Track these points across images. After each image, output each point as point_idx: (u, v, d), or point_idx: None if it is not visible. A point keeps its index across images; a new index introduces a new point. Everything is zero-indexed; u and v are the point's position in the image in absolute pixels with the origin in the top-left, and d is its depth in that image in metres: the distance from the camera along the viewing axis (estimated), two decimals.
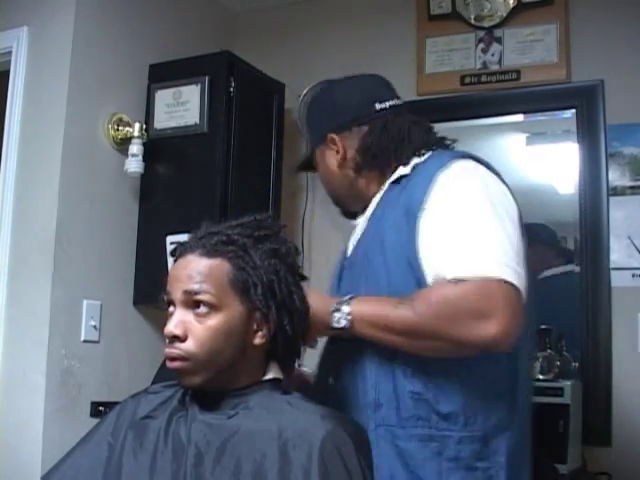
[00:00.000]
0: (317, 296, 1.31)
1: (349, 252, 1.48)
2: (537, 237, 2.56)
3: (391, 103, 1.49)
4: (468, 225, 1.24)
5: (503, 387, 1.29)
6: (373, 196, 1.47)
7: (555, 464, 2.02)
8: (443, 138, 1.50)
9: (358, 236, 1.46)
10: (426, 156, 1.42)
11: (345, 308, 1.28)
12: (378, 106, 1.47)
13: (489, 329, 1.17)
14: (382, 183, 1.45)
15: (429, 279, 1.25)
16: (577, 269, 2.47)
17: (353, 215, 1.52)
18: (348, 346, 1.34)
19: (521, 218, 1.32)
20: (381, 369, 1.31)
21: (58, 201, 2.19)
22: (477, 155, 1.38)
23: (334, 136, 1.49)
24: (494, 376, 1.28)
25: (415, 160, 1.42)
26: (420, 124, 1.48)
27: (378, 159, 1.45)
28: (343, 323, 1.28)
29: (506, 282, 1.18)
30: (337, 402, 1.33)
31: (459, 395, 1.26)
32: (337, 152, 1.49)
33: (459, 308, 1.19)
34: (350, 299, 1.30)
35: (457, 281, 1.20)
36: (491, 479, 1.26)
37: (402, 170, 1.41)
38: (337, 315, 1.28)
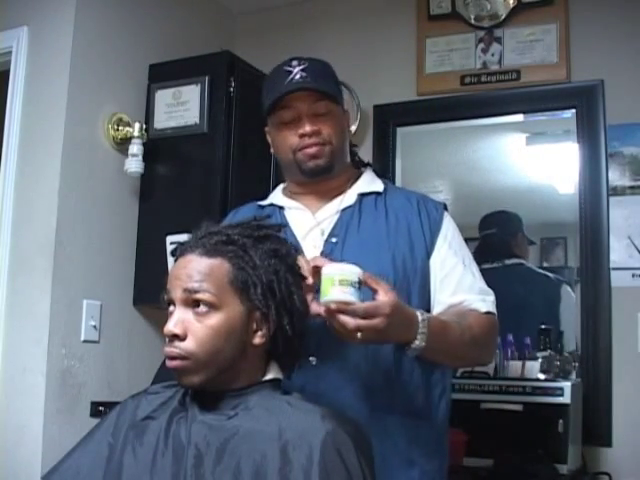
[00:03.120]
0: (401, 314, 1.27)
1: (327, 238, 1.48)
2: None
3: None
4: (472, 262, 1.53)
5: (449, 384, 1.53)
6: (345, 179, 1.56)
7: (555, 464, 2.02)
8: None
9: (332, 226, 1.50)
10: (370, 173, 1.61)
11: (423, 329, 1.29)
12: None
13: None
14: (351, 172, 1.59)
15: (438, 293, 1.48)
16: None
17: (316, 173, 1.51)
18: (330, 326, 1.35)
19: None
20: (377, 360, 1.39)
21: (58, 201, 2.19)
22: None
23: (348, 111, 1.62)
24: (448, 374, 1.53)
25: (375, 179, 1.59)
26: None
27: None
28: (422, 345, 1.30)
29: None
30: (323, 385, 1.37)
31: (425, 391, 1.45)
32: (345, 122, 1.58)
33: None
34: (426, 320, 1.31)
35: (488, 314, 1.47)
36: (443, 462, 1.48)
37: (376, 185, 1.56)
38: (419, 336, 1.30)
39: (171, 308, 1.16)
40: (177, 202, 2.41)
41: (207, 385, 1.15)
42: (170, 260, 1.27)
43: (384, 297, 1.22)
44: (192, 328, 1.13)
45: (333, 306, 1.19)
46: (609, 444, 2.25)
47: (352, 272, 1.21)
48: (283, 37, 2.86)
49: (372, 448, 1.17)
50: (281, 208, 1.58)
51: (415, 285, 1.45)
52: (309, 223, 1.52)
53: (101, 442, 1.19)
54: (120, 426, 1.19)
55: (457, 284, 1.47)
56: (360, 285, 1.21)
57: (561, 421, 2.05)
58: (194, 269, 1.15)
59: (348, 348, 1.36)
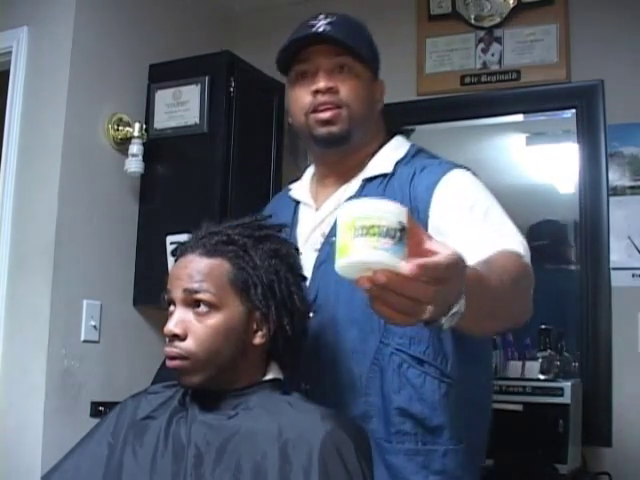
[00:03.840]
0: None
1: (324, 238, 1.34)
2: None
3: None
4: (490, 209, 1.27)
5: (485, 402, 1.32)
6: (369, 153, 1.38)
7: (555, 464, 2.02)
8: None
9: (331, 225, 1.32)
10: (393, 145, 1.40)
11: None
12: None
13: None
14: (377, 145, 1.39)
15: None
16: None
17: (330, 142, 1.33)
18: (324, 348, 1.29)
19: None
20: (370, 382, 1.26)
21: (58, 201, 2.19)
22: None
23: (381, 82, 1.42)
24: (475, 391, 1.29)
25: (391, 154, 1.38)
26: None
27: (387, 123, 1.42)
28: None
29: None
30: None
31: (445, 409, 1.23)
32: (376, 91, 1.40)
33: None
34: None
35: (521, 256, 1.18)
36: None
37: (386, 166, 1.35)
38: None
39: (171, 308, 1.17)
40: (177, 202, 2.41)
41: (207, 385, 1.15)
42: (170, 260, 1.27)
43: (441, 247, 0.78)
44: (192, 328, 1.13)
45: (370, 274, 0.75)
46: (609, 444, 2.25)
47: (390, 212, 0.73)
48: (283, 37, 2.84)
49: (372, 449, 1.17)
50: (298, 202, 1.44)
51: None
52: (311, 224, 1.40)
53: (101, 442, 1.19)
54: (120, 426, 1.20)
55: (461, 237, 1.17)
56: (403, 234, 0.74)
57: (561, 421, 2.05)
58: (194, 269, 1.15)
59: (340, 370, 1.28)
